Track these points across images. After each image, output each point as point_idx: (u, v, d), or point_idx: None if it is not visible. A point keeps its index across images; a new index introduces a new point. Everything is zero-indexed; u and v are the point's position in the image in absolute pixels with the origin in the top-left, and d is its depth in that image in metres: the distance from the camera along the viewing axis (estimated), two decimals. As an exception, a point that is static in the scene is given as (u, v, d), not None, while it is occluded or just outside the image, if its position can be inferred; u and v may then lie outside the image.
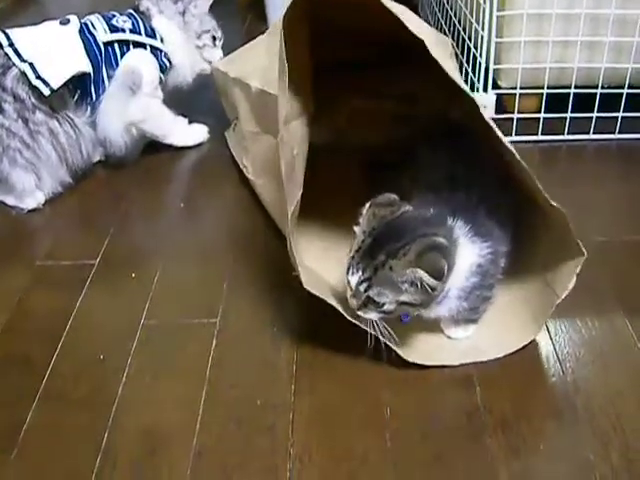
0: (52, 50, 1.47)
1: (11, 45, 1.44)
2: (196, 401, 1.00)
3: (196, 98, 1.80)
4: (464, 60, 1.68)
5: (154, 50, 1.58)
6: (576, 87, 1.58)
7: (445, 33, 1.89)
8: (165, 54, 1.60)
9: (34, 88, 1.43)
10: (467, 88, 0.94)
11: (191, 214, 1.45)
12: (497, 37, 1.53)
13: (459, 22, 1.76)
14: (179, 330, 1.14)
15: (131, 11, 1.60)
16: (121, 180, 1.59)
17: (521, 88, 1.59)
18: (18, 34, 1.47)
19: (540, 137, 1.63)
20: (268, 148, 1.27)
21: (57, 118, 1.47)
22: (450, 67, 0.93)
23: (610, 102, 1.60)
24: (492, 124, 0.96)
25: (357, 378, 1.03)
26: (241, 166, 1.50)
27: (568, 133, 1.62)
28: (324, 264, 1.14)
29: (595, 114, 1.60)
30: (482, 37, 1.54)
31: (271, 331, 1.12)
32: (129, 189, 1.55)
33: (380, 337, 0.99)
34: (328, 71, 1.23)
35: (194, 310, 1.18)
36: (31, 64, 1.43)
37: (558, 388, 1.02)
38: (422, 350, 1.05)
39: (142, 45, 1.57)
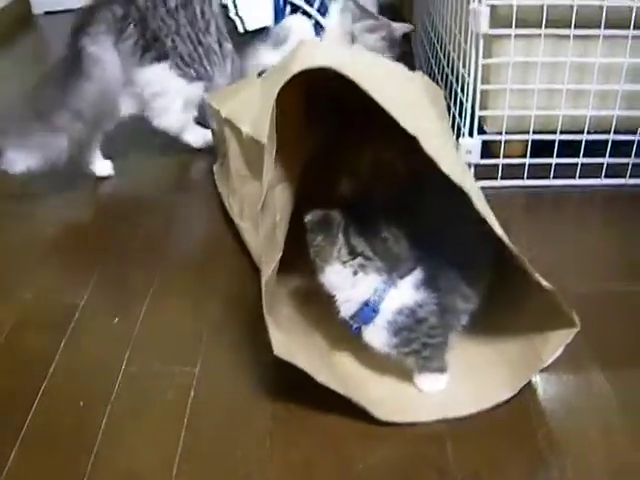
0: None
1: None
2: (173, 451, 1.01)
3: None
4: (452, 103, 1.70)
5: (316, 25, 1.79)
6: (562, 133, 1.59)
7: (435, 75, 1.91)
8: (323, 32, 1.79)
9: (230, 21, 1.69)
10: (461, 182, 0.91)
11: (176, 255, 1.47)
12: (483, 84, 1.55)
13: (448, 65, 1.78)
14: (159, 378, 1.15)
15: None
16: (110, 216, 1.63)
17: (507, 133, 1.61)
18: None
19: (525, 182, 1.64)
20: (255, 194, 1.28)
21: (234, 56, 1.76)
22: (447, 164, 0.91)
23: (595, 148, 1.61)
24: (483, 213, 0.95)
25: (331, 433, 1.04)
26: (226, 205, 1.52)
27: (553, 178, 1.64)
28: (305, 312, 1.17)
29: (580, 159, 1.62)
30: (468, 83, 1.55)
31: (248, 382, 1.12)
32: (117, 226, 1.58)
33: (351, 398, 1.00)
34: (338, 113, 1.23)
35: (174, 358, 1.19)
36: (234, 1, 1.69)
37: (531, 444, 1.02)
38: (395, 406, 1.06)
39: (308, 15, 1.77)
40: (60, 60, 1.67)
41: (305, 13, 1.78)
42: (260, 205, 0.95)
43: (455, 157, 1.06)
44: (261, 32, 1.76)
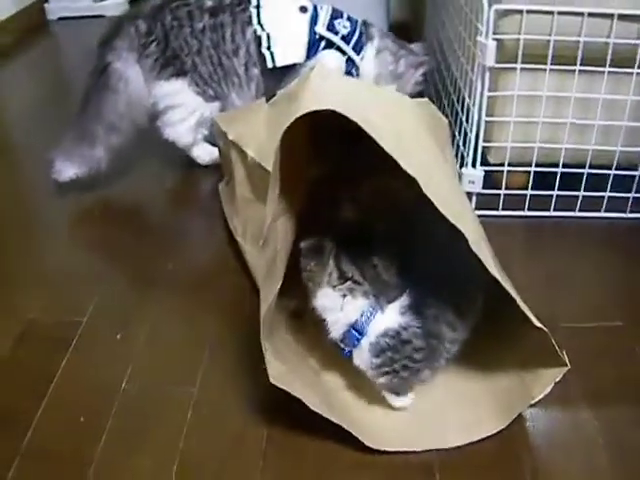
0: (287, 33, 1.76)
1: (257, 7, 1.74)
2: (168, 470, 1.04)
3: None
4: (457, 131, 1.72)
5: (349, 62, 1.82)
6: (564, 166, 1.61)
7: (442, 101, 1.94)
8: (357, 72, 1.83)
9: (260, 53, 1.73)
10: (459, 223, 0.94)
11: (179, 276, 1.49)
12: (487, 116, 1.57)
13: (454, 92, 1.81)
14: (159, 397, 1.18)
15: (360, 20, 1.84)
16: (114, 236, 1.64)
17: (509, 165, 1.63)
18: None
19: (526, 213, 1.66)
20: (259, 217, 1.30)
21: (262, 78, 1.79)
22: (452, 212, 0.93)
23: (597, 181, 1.63)
24: (480, 255, 0.97)
25: (323, 459, 1.07)
26: (230, 226, 1.54)
27: (554, 210, 1.66)
28: (302, 336, 1.21)
29: (582, 193, 1.63)
30: (473, 114, 1.58)
31: (245, 404, 1.15)
32: (121, 244, 1.61)
33: (344, 426, 1.03)
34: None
35: (174, 377, 1.22)
36: (268, 34, 1.73)
37: (518, 478, 1.04)
38: (386, 434, 1.08)
39: (343, 52, 1.80)
40: (91, 73, 1.77)
41: (339, 49, 1.80)
42: (262, 241, 0.97)
43: (454, 193, 1.08)
44: (293, 65, 1.79)
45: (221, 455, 1.07)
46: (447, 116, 1.66)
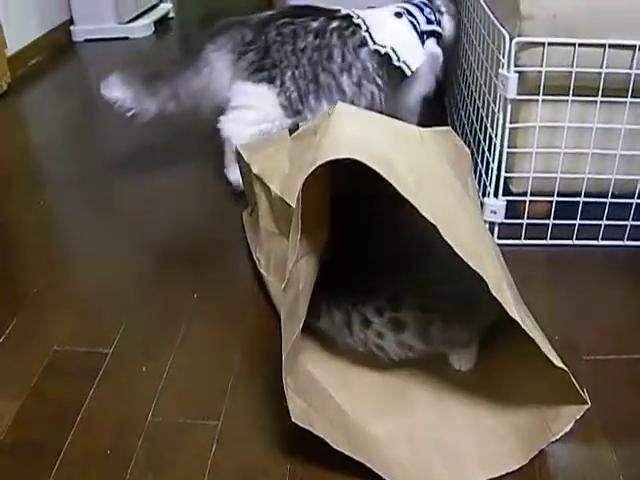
0: (403, 41, 1.90)
1: (367, 31, 1.86)
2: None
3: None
4: (479, 160, 1.73)
5: (439, 39, 1.99)
6: (586, 195, 1.62)
7: (465, 131, 1.94)
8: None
9: (390, 67, 1.88)
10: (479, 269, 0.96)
11: (203, 306, 1.51)
12: (510, 147, 1.58)
13: (477, 122, 1.82)
14: (183, 430, 1.19)
15: (425, 1, 1.99)
16: (137, 262, 1.67)
17: (532, 194, 1.63)
18: (368, 20, 1.89)
19: (549, 242, 1.67)
20: (282, 250, 1.32)
21: (378, 90, 1.90)
22: (472, 255, 0.96)
23: (619, 210, 1.64)
24: (504, 302, 0.98)
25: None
26: (254, 257, 1.56)
27: (577, 239, 1.66)
28: (325, 368, 1.23)
29: (604, 222, 1.64)
30: (495, 145, 1.59)
31: (268, 438, 1.16)
32: (146, 273, 1.63)
33: (368, 465, 1.04)
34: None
35: (198, 410, 1.23)
36: (392, 49, 1.86)
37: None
38: (406, 469, 1.09)
39: (434, 34, 1.97)
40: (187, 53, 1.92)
41: (433, 34, 1.96)
42: (284, 285, 0.99)
43: (475, 233, 1.09)
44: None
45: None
46: (469, 145, 1.68)
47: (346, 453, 1.04)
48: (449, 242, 0.93)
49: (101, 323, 1.46)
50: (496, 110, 1.57)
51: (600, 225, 1.65)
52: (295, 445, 1.14)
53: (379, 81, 1.89)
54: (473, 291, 1.06)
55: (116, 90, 1.87)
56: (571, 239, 1.67)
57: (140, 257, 1.69)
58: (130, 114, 1.88)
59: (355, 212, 1.23)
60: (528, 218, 1.65)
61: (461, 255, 0.93)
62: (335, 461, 1.08)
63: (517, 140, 1.60)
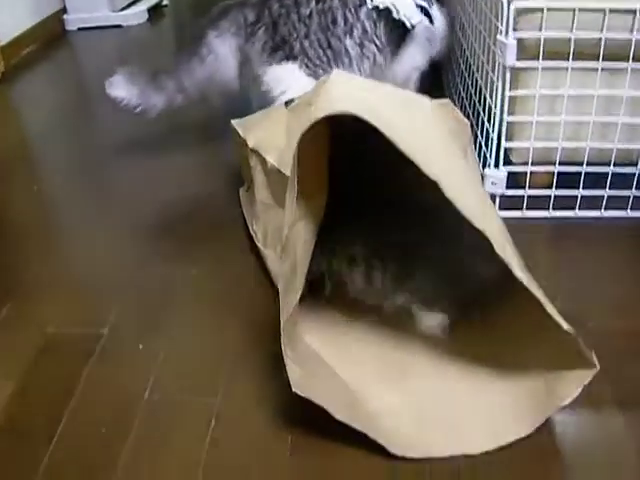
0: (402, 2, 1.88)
1: None
2: (192, 481, 1.02)
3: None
4: (478, 132, 1.70)
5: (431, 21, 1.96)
6: (588, 164, 1.59)
7: (463, 103, 1.91)
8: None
9: (390, 25, 1.86)
10: (483, 226, 0.94)
11: (201, 282, 1.48)
12: (509, 115, 1.55)
13: (476, 94, 1.78)
14: (180, 407, 1.16)
15: None
16: (133, 243, 1.64)
17: (533, 164, 1.60)
18: None
19: (551, 213, 1.63)
20: (279, 221, 1.29)
21: (379, 53, 1.88)
22: (475, 215, 0.93)
23: (622, 180, 1.61)
24: (508, 261, 0.96)
25: (349, 466, 1.05)
26: (251, 231, 1.53)
27: (579, 209, 1.63)
28: (326, 340, 1.19)
29: (607, 192, 1.61)
30: (495, 114, 1.56)
31: (268, 413, 1.14)
32: (140, 253, 1.60)
33: (369, 435, 1.01)
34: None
35: (197, 387, 1.20)
36: (392, 3, 1.85)
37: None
38: (411, 441, 1.06)
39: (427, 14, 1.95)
40: (189, 41, 1.87)
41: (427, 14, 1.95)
42: (280, 251, 0.96)
43: (477, 196, 1.06)
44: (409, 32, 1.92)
45: (245, 465, 1.06)
46: (468, 117, 1.65)
47: (347, 423, 1.02)
48: (452, 200, 0.90)
49: (97, 304, 1.43)
50: (495, 79, 1.54)
51: (603, 196, 1.62)
52: (296, 418, 1.12)
53: (378, 43, 1.85)
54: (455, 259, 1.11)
55: (121, 89, 1.85)
56: (574, 210, 1.64)
57: (136, 238, 1.66)
58: (137, 111, 1.86)
59: (353, 177, 1.20)
60: (529, 189, 1.62)
61: (464, 214, 0.91)
62: (337, 433, 1.05)
63: (517, 109, 1.57)
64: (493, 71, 1.57)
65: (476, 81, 1.78)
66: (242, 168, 1.63)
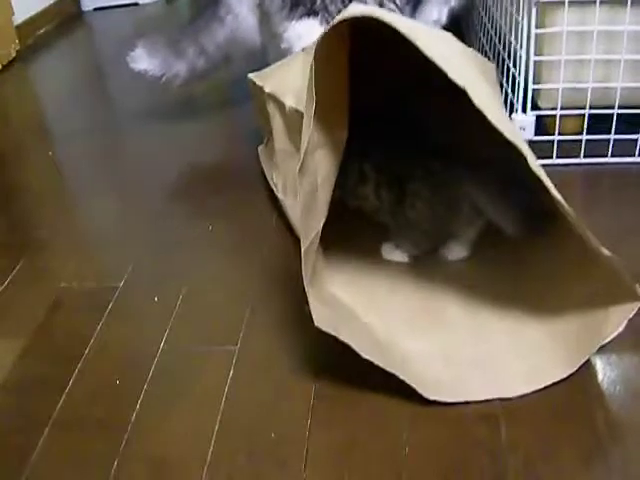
0: None
1: None
2: (208, 432, 0.97)
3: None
4: (504, 80, 1.63)
5: None
6: (620, 107, 1.51)
7: (486, 52, 1.84)
8: None
9: None
10: (514, 139, 0.88)
11: (218, 237, 1.43)
12: (536, 55, 1.48)
13: (499, 40, 1.71)
14: (197, 357, 1.11)
15: None
16: (148, 200, 1.60)
17: (562, 109, 1.53)
18: None
19: (582, 160, 1.56)
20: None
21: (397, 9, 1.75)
22: (497, 118, 0.87)
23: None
24: (541, 175, 0.90)
25: (377, 413, 0.99)
26: (271, 184, 1.48)
27: (612, 156, 1.55)
28: (352, 290, 1.13)
29: (641, 136, 1.53)
30: (520, 56, 1.48)
31: (291, 361, 1.08)
32: (156, 210, 1.56)
33: (398, 375, 0.95)
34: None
35: (214, 337, 1.15)
36: None
37: (590, 429, 0.94)
38: (445, 384, 1.00)
39: None
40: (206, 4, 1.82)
41: None
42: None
43: (505, 116, 0.99)
44: None
45: (265, 413, 1.00)
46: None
47: (377, 363, 0.95)
48: (479, 106, 0.83)
49: (111, 259, 1.39)
50: (520, 18, 1.47)
51: (637, 140, 1.54)
52: (319, 366, 1.06)
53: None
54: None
55: (143, 61, 1.84)
56: (606, 156, 1.56)
57: (152, 196, 1.62)
58: (163, 80, 1.84)
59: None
60: (559, 134, 1.54)
61: (498, 127, 0.85)
62: (364, 380, 1.01)
63: (544, 48, 1.49)
64: (518, 11, 1.49)
65: (499, 27, 1.70)
66: (260, 121, 1.57)
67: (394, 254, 1.25)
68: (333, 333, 0.94)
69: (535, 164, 0.87)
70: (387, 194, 1.20)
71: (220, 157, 1.80)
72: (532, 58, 1.48)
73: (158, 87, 1.87)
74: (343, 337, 0.94)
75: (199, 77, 1.87)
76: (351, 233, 1.29)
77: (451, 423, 0.96)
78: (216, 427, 0.98)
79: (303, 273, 0.93)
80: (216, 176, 1.70)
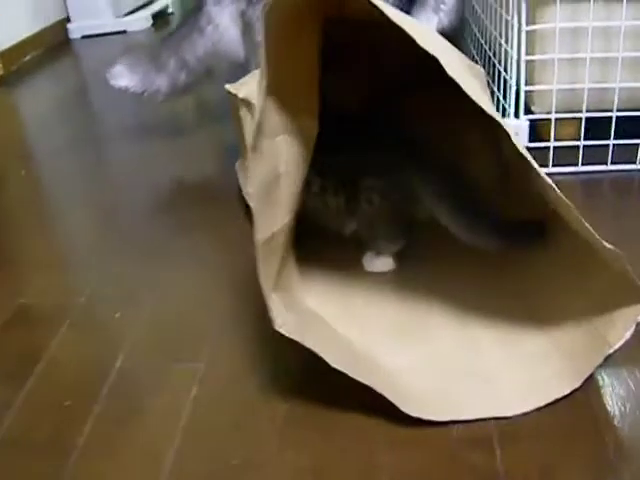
0: None
1: None
2: (163, 457, 0.86)
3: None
4: (495, 86, 1.54)
5: None
6: (619, 110, 1.41)
7: (477, 62, 1.76)
8: None
9: None
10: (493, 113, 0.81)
11: (191, 252, 1.33)
12: (527, 55, 1.39)
13: (489, 47, 1.63)
14: (157, 375, 1.01)
15: None
16: (128, 214, 1.52)
17: (557, 112, 1.43)
18: None
19: (580, 168, 1.46)
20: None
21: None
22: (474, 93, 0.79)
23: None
24: (527, 155, 0.81)
25: (351, 436, 0.87)
26: (245, 196, 1.40)
27: (612, 163, 1.46)
28: (329, 301, 1.04)
29: (642, 140, 1.43)
30: (511, 57, 1.40)
31: (258, 379, 0.97)
32: (134, 223, 1.48)
33: (378, 390, 0.85)
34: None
35: (178, 353, 1.05)
36: None
37: (598, 452, 0.83)
38: (428, 401, 0.89)
39: None
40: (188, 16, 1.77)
41: None
42: (251, 143, 0.81)
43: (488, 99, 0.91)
44: None
45: (229, 436, 0.89)
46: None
47: (351, 375, 0.85)
48: (457, 80, 0.75)
49: (75, 276, 1.31)
50: (509, 16, 1.38)
51: (638, 145, 1.44)
52: (291, 385, 0.96)
53: None
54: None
55: (124, 78, 1.78)
56: (606, 164, 1.46)
57: (130, 211, 1.54)
58: (145, 96, 1.78)
59: None
60: (555, 141, 1.45)
61: (474, 99, 0.76)
62: (338, 399, 0.90)
63: (535, 47, 1.42)
64: (507, 10, 1.41)
65: (488, 34, 1.62)
66: (237, 132, 1.48)
67: (375, 264, 1.16)
68: (298, 339, 0.84)
69: (519, 144, 0.78)
70: (334, 198, 1.11)
71: (202, 173, 1.72)
72: (523, 57, 1.39)
73: (142, 104, 1.83)
74: (311, 345, 0.84)
75: (181, 91, 1.81)
76: (331, 245, 1.19)
77: (436, 446, 0.85)
78: (172, 452, 0.87)
79: (258, 267, 0.83)
80: (197, 191, 1.62)
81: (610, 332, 0.88)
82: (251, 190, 0.82)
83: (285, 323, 0.84)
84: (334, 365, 0.84)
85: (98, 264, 1.32)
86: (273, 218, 0.86)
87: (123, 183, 1.71)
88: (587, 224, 0.82)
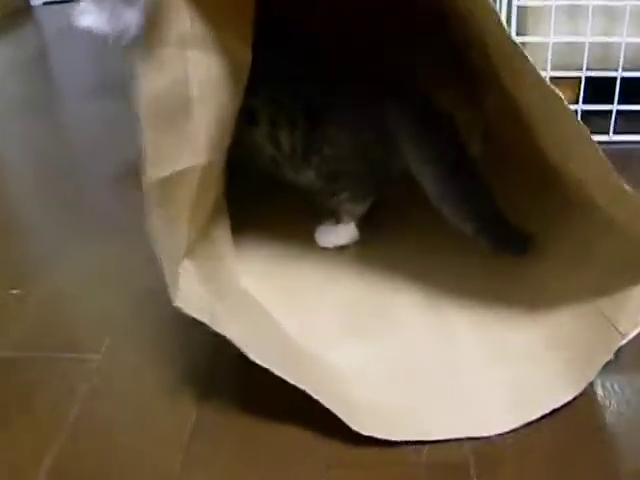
0: None
1: None
2: (34, 471, 0.66)
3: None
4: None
5: None
6: (625, 69, 1.22)
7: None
8: None
9: None
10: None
11: (91, 212, 1.16)
12: (519, 35, 1.22)
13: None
14: (42, 367, 0.80)
15: None
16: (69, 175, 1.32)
17: (553, 70, 1.23)
18: None
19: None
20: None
21: None
22: None
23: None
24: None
25: (278, 454, 0.67)
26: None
27: (614, 133, 1.27)
28: (271, 282, 0.85)
29: (650, 106, 1.24)
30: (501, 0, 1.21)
31: (168, 377, 0.77)
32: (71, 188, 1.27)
33: (314, 396, 0.64)
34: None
35: (74, 343, 0.85)
36: None
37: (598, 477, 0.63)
38: (385, 415, 0.68)
39: None
40: None
41: None
42: (147, 40, 0.61)
43: None
44: None
45: (126, 444, 0.70)
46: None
47: (278, 374, 0.65)
48: None
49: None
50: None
51: (644, 111, 1.25)
52: (207, 387, 0.75)
53: None
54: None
55: (89, 16, 1.57)
56: (607, 133, 1.27)
57: (77, 178, 1.33)
58: (114, 38, 1.58)
59: None
60: (550, 104, 1.25)
61: None
62: (266, 408, 0.71)
63: (528, 28, 1.24)
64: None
65: None
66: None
67: (330, 238, 0.95)
68: (205, 321, 0.64)
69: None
70: (287, 134, 0.89)
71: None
72: (515, 2, 1.20)
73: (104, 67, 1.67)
74: (230, 334, 0.63)
75: None
76: (281, 208, 1.00)
77: (395, 473, 0.65)
78: (47, 464, 0.67)
79: (149, 216, 0.63)
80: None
81: (621, 318, 0.69)
82: (140, 109, 0.61)
83: (189, 299, 0.63)
84: (257, 360, 0.65)
85: (24, 235, 1.13)
86: (177, 152, 0.65)
87: (80, 145, 1.52)
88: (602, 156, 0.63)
